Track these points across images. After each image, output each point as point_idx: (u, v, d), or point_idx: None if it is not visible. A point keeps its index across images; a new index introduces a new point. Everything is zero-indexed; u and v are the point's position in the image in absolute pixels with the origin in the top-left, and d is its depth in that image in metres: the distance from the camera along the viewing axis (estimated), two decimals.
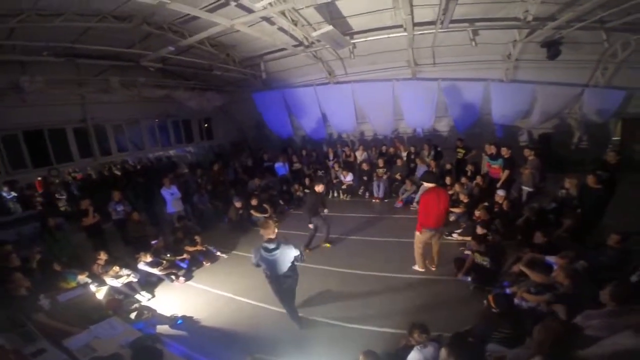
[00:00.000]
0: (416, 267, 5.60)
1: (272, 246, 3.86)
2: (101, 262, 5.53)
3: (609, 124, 9.99)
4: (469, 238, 5.80)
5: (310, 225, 6.69)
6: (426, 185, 5.28)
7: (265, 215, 8.57)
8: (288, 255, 3.95)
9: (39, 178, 9.32)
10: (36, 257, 5.20)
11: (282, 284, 4.09)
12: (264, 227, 3.90)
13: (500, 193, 6.76)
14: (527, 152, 7.40)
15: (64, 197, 8.98)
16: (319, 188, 6.67)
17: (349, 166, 10.91)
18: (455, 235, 6.65)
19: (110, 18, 6.91)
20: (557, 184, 6.80)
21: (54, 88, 9.05)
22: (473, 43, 8.36)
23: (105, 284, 5.27)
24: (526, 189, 7.32)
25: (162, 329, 4.63)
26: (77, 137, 11.12)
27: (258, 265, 4.03)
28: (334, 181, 10.79)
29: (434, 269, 5.58)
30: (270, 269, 3.97)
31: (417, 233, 5.29)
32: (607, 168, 6.11)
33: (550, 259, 4.45)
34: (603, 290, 2.93)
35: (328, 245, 6.91)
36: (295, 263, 4.10)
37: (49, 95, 9.16)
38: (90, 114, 11.17)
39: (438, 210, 5.05)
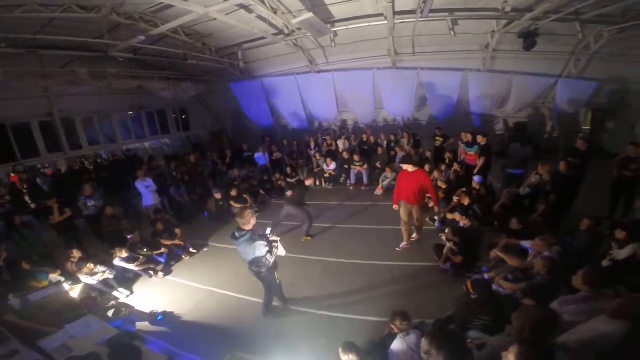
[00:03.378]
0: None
1: (237, 234, 3.79)
2: (74, 259, 5.27)
3: (580, 114, 10.40)
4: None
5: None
6: (402, 166, 5.76)
7: (246, 205, 8.45)
8: (250, 250, 3.81)
9: (13, 174, 8.78)
10: (3, 255, 4.92)
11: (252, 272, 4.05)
12: (239, 217, 3.80)
13: (477, 180, 6.90)
14: None
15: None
16: (309, 182, 7.08)
17: (332, 155, 10.87)
18: (437, 224, 6.74)
19: (76, 8, 6.48)
20: (531, 171, 7.02)
21: (15, 81, 8.53)
22: (452, 33, 8.43)
23: (80, 282, 5.05)
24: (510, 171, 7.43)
25: (142, 325, 4.50)
26: (44, 131, 10.56)
27: None
28: (316, 170, 10.74)
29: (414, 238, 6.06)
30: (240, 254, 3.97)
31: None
32: (578, 155, 6.33)
33: (526, 243, 4.56)
34: (575, 276, 3.01)
35: (308, 239, 6.82)
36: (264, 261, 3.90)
37: (11, 88, 8.63)
38: (58, 106, 10.62)
39: (407, 189, 5.53)
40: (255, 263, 3.90)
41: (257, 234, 3.86)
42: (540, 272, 3.68)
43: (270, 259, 3.94)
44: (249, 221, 3.81)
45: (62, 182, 9.21)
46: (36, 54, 8.44)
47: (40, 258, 5.69)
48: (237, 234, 3.80)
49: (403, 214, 5.79)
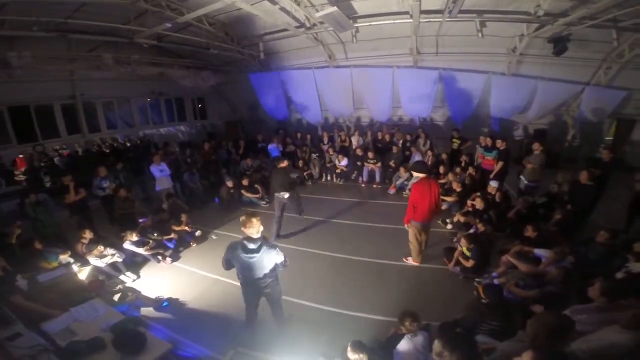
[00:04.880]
0: (410, 260, 5.44)
1: (252, 246, 3.20)
2: (85, 240, 5.34)
3: (603, 124, 10.04)
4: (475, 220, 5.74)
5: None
6: (417, 175, 4.98)
7: (257, 195, 8.52)
8: (270, 259, 3.34)
9: (20, 155, 9.03)
10: (16, 232, 5.01)
11: (257, 291, 3.54)
12: (247, 226, 3.18)
13: (493, 184, 6.75)
14: (536, 146, 6.99)
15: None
16: (284, 164, 6.40)
17: (344, 151, 10.80)
18: (449, 227, 6.63)
19: None
20: (550, 179, 6.83)
21: (43, 64, 8.72)
22: (480, 34, 8.21)
23: (89, 264, 5.10)
24: (524, 181, 7.17)
25: (147, 311, 4.52)
26: (65, 114, 10.83)
27: (228, 266, 3.43)
28: (328, 165, 10.68)
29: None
30: (245, 271, 3.38)
31: (406, 226, 5.16)
32: (600, 165, 6.13)
33: (539, 251, 4.49)
34: (592, 287, 2.96)
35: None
36: (279, 269, 3.54)
37: (37, 70, 8.82)
38: (80, 90, 10.88)
39: (429, 204, 4.82)
40: (272, 275, 3.45)
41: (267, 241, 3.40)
42: (554, 281, 3.66)
43: (287, 261, 3.54)
44: (259, 228, 3.25)
45: (79, 163, 9.42)
46: (64, 38, 8.59)
47: (52, 238, 5.74)
48: (251, 245, 3.20)
49: (414, 234, 5.18)
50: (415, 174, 5.05)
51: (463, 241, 4.86)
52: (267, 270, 3.38)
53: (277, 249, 3.40)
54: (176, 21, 7.68)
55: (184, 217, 6.75)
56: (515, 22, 7.69)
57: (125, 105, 12.91)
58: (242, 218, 3.23)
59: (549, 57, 8.20)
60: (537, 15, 6.83)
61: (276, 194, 6.21)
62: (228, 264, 3.42)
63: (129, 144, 11.62)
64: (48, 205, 6.49)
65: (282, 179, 6.19)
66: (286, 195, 6.14)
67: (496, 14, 7.39)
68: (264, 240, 3.35)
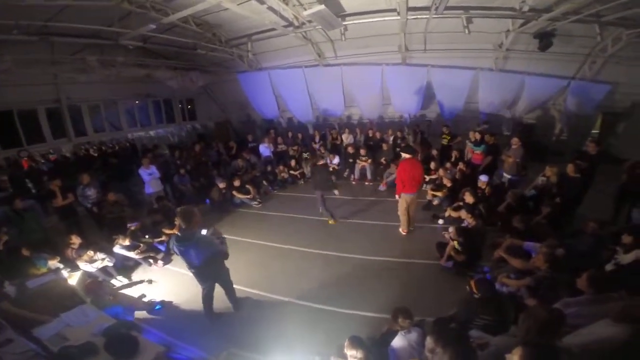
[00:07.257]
0: (400, 230, 6.29)
1: (185, 235, 3.60)
2: (74, 245, 5.23)
3: (590, 117, 10.21)
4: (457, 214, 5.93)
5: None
6: (403, 155, 5.86)
7: (248, 196, 8.49)
8: (203, 248, 3.69)
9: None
10: (2, 238, 4.90)
11: (203, 277, 3.95)
12: (188, 219, 3.59)
13: (483, 178, 6.81)
14: (514, 140, 7.22)
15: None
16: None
17: (335, 149, 10.82)
18: (440, 222, 6.67)
19: None
20: (538, 173, 6.93)
21: (25, 67, 8.51)
22: (466, 31, 8.25)
23: (79, 269, 5.00)
24: (507, 176, 7.35)
25: (140, 314, 4.47)
26: (50, 118, 10.64)
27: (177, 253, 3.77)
28: (320, 163, 10.61)
29: (411, 229, 6.29)
30: (184, 259, 3.76)
31: (397, 197, 6.04)
32: (587, 158, 6.23)
33: (529, 245, 4.52)
34: (580, 278, 2.97)
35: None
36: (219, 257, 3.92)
37: (19, 74, 8.63)
38: (65, 94, 10.70)
39: (411, 177, 5.71)
40: (212, 264, 3.85)
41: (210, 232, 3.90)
42: (540, 267, 3.70)
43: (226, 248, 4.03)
44: (199, 220, 3.69)
45: (66, 168, 9.25)
46: (47, 41, 8.36)
47: (40, 244, 5.60)
48: (190, 235, 3.60)
49: (402, 206, 6.06)
50: (403, 154, 5.91)
51: (453, 233, 4.91)
52: (206, 256, 3.73)
53: (214, 239, 3.94)
54: (161, 22, 7.55)
55: (177, 221, 6.62)
56: (500, 18, 7.75)
57: (112, 108, 12.71)
58: (180, 210, 3.67)
59: (534, 52, 8.30)
60: (522, 11, 6.91)
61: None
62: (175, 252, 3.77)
63: (117, 147, 11.45)
64: (35, 211, 6.37)
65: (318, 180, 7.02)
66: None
67: (482, 10, 7.46)
68: (199, 230, 3.77)
